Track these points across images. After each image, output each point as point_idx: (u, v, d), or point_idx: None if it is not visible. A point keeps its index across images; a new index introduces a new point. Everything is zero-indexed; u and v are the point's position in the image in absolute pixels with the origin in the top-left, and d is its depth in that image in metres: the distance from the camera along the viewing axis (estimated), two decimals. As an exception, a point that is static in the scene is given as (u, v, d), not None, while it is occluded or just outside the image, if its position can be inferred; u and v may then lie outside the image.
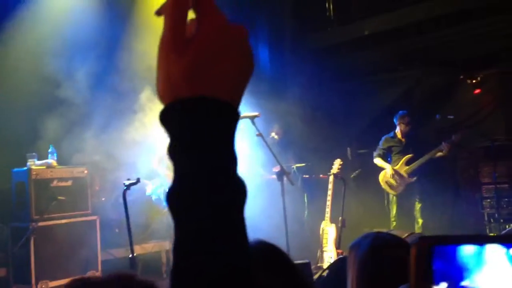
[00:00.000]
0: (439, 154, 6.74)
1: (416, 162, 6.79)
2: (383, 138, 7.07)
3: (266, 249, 1.47)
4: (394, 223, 6.84)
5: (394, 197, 6.91)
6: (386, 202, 7.10)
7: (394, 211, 6.91)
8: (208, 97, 0.66)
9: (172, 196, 0.65)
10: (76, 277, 1.24)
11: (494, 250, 0.68)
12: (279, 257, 1.46)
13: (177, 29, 0.69)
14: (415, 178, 6.79)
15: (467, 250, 0.68)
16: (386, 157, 7.05)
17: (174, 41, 0.69)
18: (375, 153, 7.07)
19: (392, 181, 6.84)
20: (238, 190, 0.66)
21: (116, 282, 1.19)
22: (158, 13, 0.72)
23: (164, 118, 0.67)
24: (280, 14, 9.55)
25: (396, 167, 6.86)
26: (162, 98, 0.69)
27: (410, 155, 6.84)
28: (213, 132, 0.66)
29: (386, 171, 6.89)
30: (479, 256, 0.68)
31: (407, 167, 6.83)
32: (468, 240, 0.68)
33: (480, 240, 0.68)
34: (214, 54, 0.68)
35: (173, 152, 0.66)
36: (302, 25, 9.42)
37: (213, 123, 0.66)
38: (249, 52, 0.71)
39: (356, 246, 1.79)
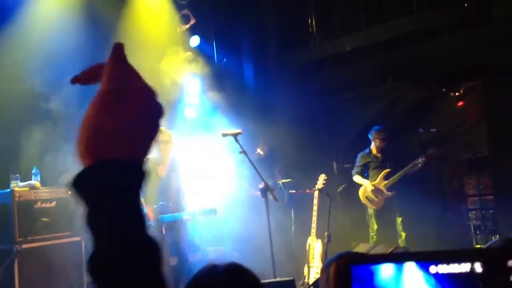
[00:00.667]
0: (416, 168, 6.79)
1: (393, 176, 6.85)
2: (359, 155, 7.15)
3: (237, 271, 1.51)
4: (375, 238, 6.88)
5: (373, 212, 6.95)
6: (367, 218, 7.13)
7: (374, 226, 6.95)
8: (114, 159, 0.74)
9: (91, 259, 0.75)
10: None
11: (412, 271, 0.69)
12: (249, 281, 1.48)
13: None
14: (393, 193, 6.84)
15: (386, 271, 0.69)
16: (363, 173, 7.12)
17: (110, 103, 0.76)
18: (353, 171, 7.16)
19: (372, 196, 6.89)
20: (148, 250, 0.74)
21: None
22: (74, 81, 0.80)
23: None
24: (263, 30, 9.63)
25: (374, 182, 6.91)
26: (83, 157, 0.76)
27: (387, 170, 6.90)
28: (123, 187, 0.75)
29: (366, 187, 6.93)
30: (398, 277, 0.69)
31: (385, 181, 6.89)
32: (387, 258, 0.70)
33: (399, 258, 0.69)
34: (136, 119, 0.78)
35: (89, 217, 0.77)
36: (286, 41, 9.50)
37: (119, 180, 0.75)
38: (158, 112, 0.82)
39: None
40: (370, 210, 7.01)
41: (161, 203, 5.60)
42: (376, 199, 6.88)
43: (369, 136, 7.11)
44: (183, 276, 5.61)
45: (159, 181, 5.68)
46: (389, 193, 6.85)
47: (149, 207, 5.55)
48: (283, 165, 7.93)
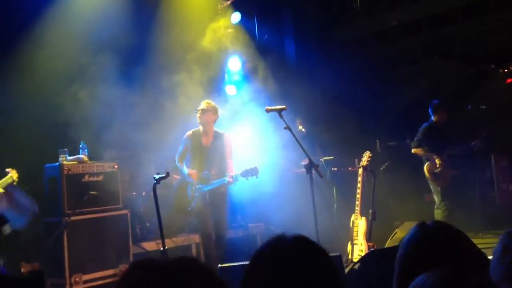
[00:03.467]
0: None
1: (455, 153, 6.70)
2: (421, 128, 6.90)
3: (306, 244, 1.43)
4: (445, 213, 6.63)
5: (439, 188, 6.75)
6: (432, 194, 6.90)
7: (444, 201, 6.70)
8: None
9: None
10: (136, 261, 1.22)
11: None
12: (318, 253, 1.42)
13: None
14: (459, 171, 6.66)
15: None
16: (424, 146, 6.86)
17: None
18: (413, 143, 6.88)
19: (439, 173, 6.68)
20: None
21: (181, 267, 1.18)
22: None
23: None
24: (305, 6, 9.48)
25: (440, 161, 6.69)
26: None
27: (451, 148, 6.74)
28: None
29: (433, 163, 6.71)
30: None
31: (448, 159, 6.71)
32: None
33: None
34: None
35: None
36: (328, 17, 9.34)
37: None
38: None
39: None
40: (437, 188, 6.78)
41: (202, 172, 5.71)
42: (442, 176, 6.68)
43: (429, 110, 6.91)
44: (222, 241, 5.75)
45: (203, 150, 5.79)
46: (455, 171, 6.67)
47: (194, 171, 5.73)
48: (324, 142, 7.85)
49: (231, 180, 5.56)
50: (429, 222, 1.69)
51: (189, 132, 5.94)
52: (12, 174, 5.32)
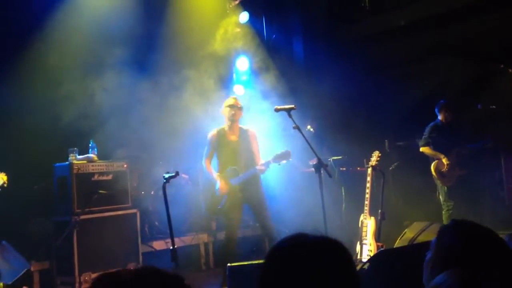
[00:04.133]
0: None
1: (464, 152, 6.68)
2: (428, 127, 6.88)
3: (328, 242, 1.41)
4: (449, 212, 6.62)
5: (446, 189, 6.73)
6: (437, 193, 6.89)
7: (450, 202, 6.68)
8: None
9: None
10: (106, 272, 1.24)
11: None
12: (340, 253, 1.40)
13: None
14: (466, 171, 6.63)
15: None
16: (431, 145, 6.83)
17: None
18: (421, 142, 6.86)
19: (446, 172, 6.66)
20: None
21: (146, 278, 1.18)
22: None
23: None
24: (313, 5, 9.47)
25: (447, 160, 6.66)
26: None
27: (460, 147, 6.71)
28: None
29: (442, 161, 6.69)
30: None
31: (457, 158, 6.68)
32: None
33: None
34: None
35: None
36: (336, 16, 9.31)
37: None
38: None
39: None
40: (443, 187, 6.76)
41: (229, 168, 5.70)
42: (449, 175, 6.66)
43: (436, 109, 6.89)
44: (270, 231, 5.76)
45: (231, 146, 5.79)
46: (463, 171, 6.65)
47: (223, 180, 5.68)
48: (332, 142, 7.83)
49: (263, 167, 5.55)
50: (458, 222, 1.67)
51: (213, 132, 5.90)
52: (2, 177, 5.17)
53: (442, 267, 1.50)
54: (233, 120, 5.76)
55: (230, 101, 5.82)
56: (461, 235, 1.62)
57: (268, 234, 5.83)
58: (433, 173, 6.72)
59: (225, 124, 5.86)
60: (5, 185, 5.15)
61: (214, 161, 5.87)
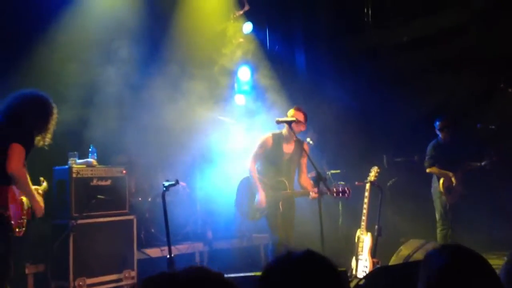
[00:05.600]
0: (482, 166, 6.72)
1: (469, 168, 6.74)
2: (429, 146, 6.92)
3: (314, 260, 1.45)
4: (445, 231, 6.67)
5: (447, 205, 6.76)
6: (443, 211, 6.89)
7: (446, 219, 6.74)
8: None
9: None
10: (147, 278, 1.24)
11: None
12: (326, 269, 1.44)
13: None
14: (467, 192, 6.71)
15: None
16: (434, 164, 6.89)
17: None
18: (426, 163, 6.88)
19: (453, 188, 6.71)
20: None
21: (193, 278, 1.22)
22: None
23: None
24: (316, 17, 9.53)
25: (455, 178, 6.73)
26: None
27: (463, 164, 6.77)
28: None
29: (451, 178, 6.71)
30: None
31: (462, 175, 6.74)
32: None
33: None
34: None
35: None
36: (338, 29, 9.37)
37: None
38: None
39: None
40: (442, 206, 6.81)
41: (278, 179, 5.56)
42: (453, 192, 6.70)
43: (435, 126, 6.92)
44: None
45: (283, 158, 5.61)
46: (465, 190, 6.71)
47: (264, 192, 5.50)
48: (331, 156, 7.86)
49: (315, 195, 5.15)
50: (451, 246, 1.68)
51: (269, 135, 5.64)
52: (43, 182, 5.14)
53: None
54: (296, 132, 5.41)
55: (299, 115, 5.48)
56: (448, 260, 1.65)
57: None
58: (441, 189, 6.74)
59: (283, 131, 5.61)
60: (46, 190, 5.01)
61: (258, 165, 5.65)
